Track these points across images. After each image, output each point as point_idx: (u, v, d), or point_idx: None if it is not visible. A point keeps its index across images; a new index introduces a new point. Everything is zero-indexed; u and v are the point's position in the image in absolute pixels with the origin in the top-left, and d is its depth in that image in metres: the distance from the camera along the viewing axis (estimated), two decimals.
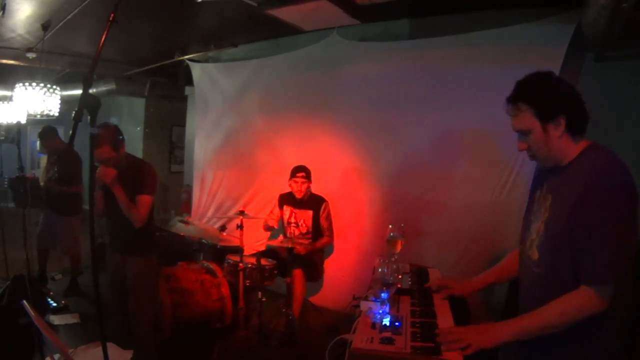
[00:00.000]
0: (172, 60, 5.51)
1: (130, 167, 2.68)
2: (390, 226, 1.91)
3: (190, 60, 5.50)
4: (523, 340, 1.35)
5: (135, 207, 2.59)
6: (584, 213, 1.29)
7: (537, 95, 1.38)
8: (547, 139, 1.39)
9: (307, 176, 3.74)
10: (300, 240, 3.69)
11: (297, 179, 3.72)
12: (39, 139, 4.38)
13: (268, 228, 3.93)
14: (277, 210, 3.96)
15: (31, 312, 1.66)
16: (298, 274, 3.52)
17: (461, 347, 1.27)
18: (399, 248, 1.89)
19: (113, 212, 2.65)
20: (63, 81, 6.11)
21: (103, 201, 2.66)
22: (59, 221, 4.30)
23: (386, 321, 1.43)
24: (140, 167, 2.72)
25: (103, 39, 1.33)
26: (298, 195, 3.75)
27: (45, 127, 4.31)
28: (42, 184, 4.35)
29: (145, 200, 2.62)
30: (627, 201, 1.27)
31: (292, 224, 3.87)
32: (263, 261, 3.43)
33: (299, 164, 3.83)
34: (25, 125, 8.28)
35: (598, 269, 1.26)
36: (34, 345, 2.67)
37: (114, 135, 2.60)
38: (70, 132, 1.32)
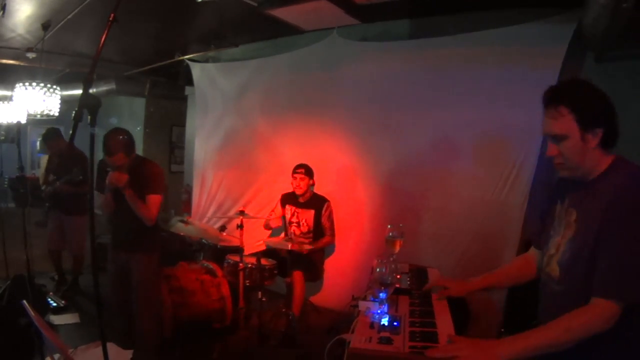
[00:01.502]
0: (172, 60, 5.52)
1: (138, 168, 2.74)
2: (389, 226, 1.91)
3: (190, 60, 5.50)
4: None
5: (146, 206, 2.68)
6: (608, 228, 1.24)
7: (582, 101, 1.33)
8: (584, 148, 1.33)
9: (307, 172, 3.74)
10: (301, 240, 3.69)
11: (296, 175, 3.74)
12: (43, 141, 4.38)
13: (268, 227, 3.94)
14: (278, 209, 3.97)
15: (31, 312, 1.67)
16: (298, 274, 3.53)
17: None
18: (397, 248, 1.89)
19: (119, 210, 2.72)
20: (63, 81, 6.11)
21: (113, 202, 2.72)
22: (68, 220, 4.30)
23: (384, 321, 1.43)
24: (148, 167, 2.81)
25: (103, 39, 1.33)
26: (298, 192, 3.76)
27: (49, 129, 4.32)
28: (42, 184, 4.35)
29: (155, 199, 2.72)
30: None
31: (294, 224, 3.88)
32: (263, 261, 3.43)
33: (299, 163, 3.84)
34: (25, 125, 8.28)
35: (613, 282, 1.21)
36: (34, 345, 2.68)
37: (127, 143, 2.66)
38: (70, 132, 1.33)
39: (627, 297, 1.20)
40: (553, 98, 1.35)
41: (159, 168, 2.84)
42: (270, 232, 4.08)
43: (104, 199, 2.75)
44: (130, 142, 2.68)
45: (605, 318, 1.20)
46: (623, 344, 1.27)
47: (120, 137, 2.63)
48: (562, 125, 1.33)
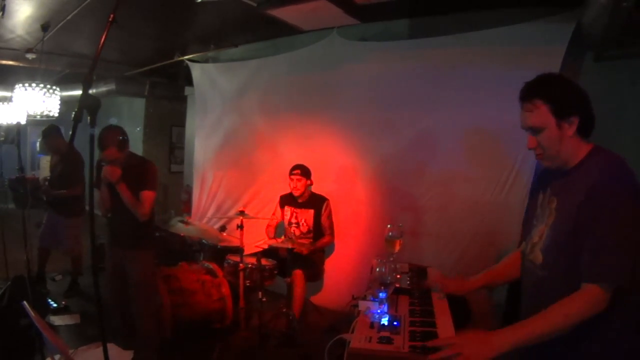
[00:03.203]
0: (172, 60, 5.52)
1: (133, 165, 2.83)
2: (388, 226, 1.91)
3: (190, 60, 5.50)
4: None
5: (140, 202, 2.76)
6: (588, 214, 1.29)
7: (555, 91, 1.40)
8: (560, 137, 1.39)
9: (304, 173, 3.74)
10: (301, 240, 3.69)
11: (293, 177, 3.73)
12: (42, 138, 4.38)
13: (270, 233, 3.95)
14: (278, 211, 3.97)
15: (31, 313, 1.67)
16: (298, 274, 3.52)
17: None
18: (397, 248, 1.89)
19: (115, 207, 2.80)
20: (63, 82, 6.11)
21: (108, 198, 2.80)
22: (62, 222, 4.31)
23: (384, 321, 1.43)
24: (142, 164, 2.90)
25: (103, 39, 1.33)
26: (296, 193, 3.76)
27: (49, 126, 4.32)
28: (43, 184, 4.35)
29: (148, 195, 2.80)
30: (631, 202, 1.27)
31: (293, 224, 3.87)
32: (263, 261, 3.43)
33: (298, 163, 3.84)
34: (25, 126, 8.27)
35: (597, 266, 1.25)
36: (35, 346, 2.68)
37: (120, 137, 2.75)
38: (70, 132, 1.33)
39: (613, 279, 1.24)
40: (528, 93, 1.43)
41: (154, 166, 2.92)
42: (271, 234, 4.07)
43: (99, 194, 2.81)
44: (122, 137, 2.77)
45: (597, 301, 1.24)
46: (609, 333, 1.31)
47: (113, 132, 2.73)
48: (538, 117, 1.41)
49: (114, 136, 2.70)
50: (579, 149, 1.41)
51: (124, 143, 2.77)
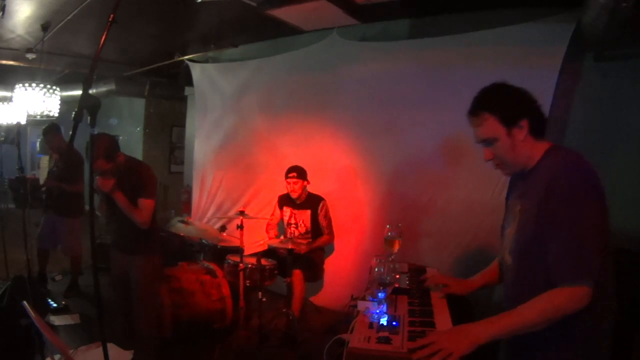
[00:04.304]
0: (172, 60, 5.52)
1: (129, 171, 2.71)
2: (387, 226, 1.91)
3: (190, 60, 5.50)
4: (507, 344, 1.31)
5: (138, 210, 2.64)
6: (548, 212, 1.30)
7: (498, 101, 1.43)
8: (513, 144, 1.41)
9: (300, 175, 3.73)
10: (300, 241, 3.69)
11: (289, 180, 3.73)
12: (42, 135, 4.40)
13: (270, 231, 3.95)
14: (277, 212, 3.97)
15: (31, 313, 1.67)
16: (298, 274, 3.53)
17: (443, 358, 1.21)
18: (396, 248, 1.89)
19: (117, 213, 2.69)
20: (63, 82, 6.12)
21: (105, 206, 2.73)
22: (61, 222, 4.31)
23: (383, 321, 1.43)
24: (139, 171, 2.76)
25: (103, 39, 1.33)
26: (293, 195, 3.76)
27: (50, 124, 4.33)
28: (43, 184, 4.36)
29: (147, 203, 2.68)
30: (590, 197, 1.28)
31: (292, 225, 3.88)
32: (263, 261, 3.43)
33: (296, 164, 3.84)
34: (25, 126, 8.28)
35: (565, 267, 1.26)
36: (35, 346, 2.67)
37: (107, 148, 2.59)
38: (70, 132, 1.33)
39: (586, 277, 1.24)
40: (473, 107, 1.48)
41: (151, 171, 2.79)
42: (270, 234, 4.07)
43: (98, 202, 2.77)
44: (110, 147, 2.61)
45: (576, 300, 1.24)
46: (576, 337, 1.32)
47: (98, 141, 2.55)
48: (487, 129, 1.43)
49: (100, 147, 2.53)
50: (535, 150, 1.43)
51: (112, 152, 2.61)
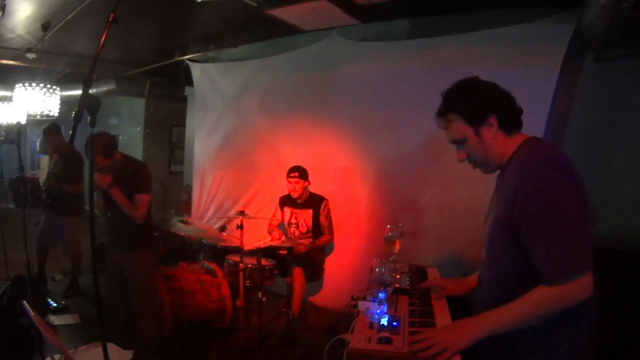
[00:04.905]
0: (172, 60, 5.52)
1: (126, 168, 2.82)
2: (388, 226, 1.91)
3: (190, 60, 5.50)
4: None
5: (135, 206, 2.75)
6: (519, 208, 1.25)
7: (461, 101, 1.40)
8: (483, 142, 1.39)
9: (301, 175, 3.74)
10: (301, 241, 3.69)
11: (290, 179, 3.74)
12: (42, 135, 4.40)
13: (272, 232, 3.95)
14: (279, 212, 3.97)
15: (31, 313, 1.67)
16: (298, 274, 3.53)
17: (437, 352, 1.21)
18: (397, 248, 1.89)
19: (112, 210, 2.79)
20: (63, 81, 6.12)
21: (103, 203, 2.80)
22: (61, 222, 4.31)
23: (384, 321, 1.43)
24: (136, 168, 2.88)
25: (103, 39, 1.33)
26: (294, 195, 3.77)
27: (50, 124, 4.34)
28: (43, 186, 4.35)
29: (143, 199, 2.79)
30: (562, 185, 1.23)
31: (293, 225, 3.88)
32: (263, 261, 3.43)
33: (297, 164, 3.84)
34: (25, 126, 8.29)
35: (558, 264, 1.20)
36: (34, 345, 2.68)
37: (105, 146, 2.72)
38: (70, 132, 1.33)
39: (582, 267, 1.19)
40: (440, 109, 1.46)
41: (147, 168, 2.90)
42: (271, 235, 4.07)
43: (95, 200, 2.78)
44: (108, 144, 2.74)
45: (578, 290, 1.20)
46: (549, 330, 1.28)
47: (97, 139, 2.65)
48: (455, 130, 1.43)
49: (99, 144, 2.66)
50: (507, 145, 1.39)
51: (110, 149, 2.74)
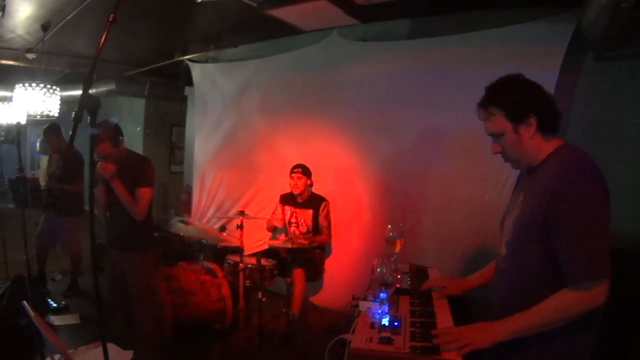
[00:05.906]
0: (172, 60, 5.52)
1: (129, 162, 2.78)
2: (389, 226, 1.91)
3: (190, 60, 5.50)
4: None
5: (135, 200, 2.70)
6: (554, 210, 1.30)
7: (506, 97, 1.41)
8: (520, 140, 1.41)
9: (304, 172, 3.75)
10: (301, 241, 3.69)
11: (293, 175, 3.75)
12: (42, 135, 4.41)
13: (271, 229, 3.94)
14: (279, 210, 3.97)
15: (31, 313, 1.67)
16: (298, 274, 3.52)
17: (459, 347, 1.27)
18: (398, 248, 1.89)
19: (112, 208, 2.76)
20: (63, 82, 6.12)
21: (104, 195, 2.75)
22: (61, 222, 4.31)
23: (385, 321, 1.43)
24: (138, 161, 2.84)
25: (103, 39, 1.33)
26: (295, 192, 3.77)
27: (50, 124, 4.34)
28: (43, 184, 4.35)
29: (144, 193, 2.73)
30: (597, 195, 1.28)
31: (293, 224, 3.88)
32: (263, 261, 3.43)
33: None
34: (25, 126, 8.28)
35: (583, 268, 1.26)
36: (34, 345, 2.67)
37: (114, 133, 2.71)
38: (70, 132, 1.33)
39: (604, 275, 1.25)
40: (483, 101, 1.46)
41: (150, 163, 2.86)
42: (271, 233, 4.07)
43: (96, 193, 2.78)
44: (116, 131, 2.73)
45: (595, 297, 1.25)
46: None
47: (107, 127, 2.68)
48: (494, 124, 1.44)
49: (108, 130, 2.67)
50: (542, 148, 1.42)
51: (117, 138, 2.73)
